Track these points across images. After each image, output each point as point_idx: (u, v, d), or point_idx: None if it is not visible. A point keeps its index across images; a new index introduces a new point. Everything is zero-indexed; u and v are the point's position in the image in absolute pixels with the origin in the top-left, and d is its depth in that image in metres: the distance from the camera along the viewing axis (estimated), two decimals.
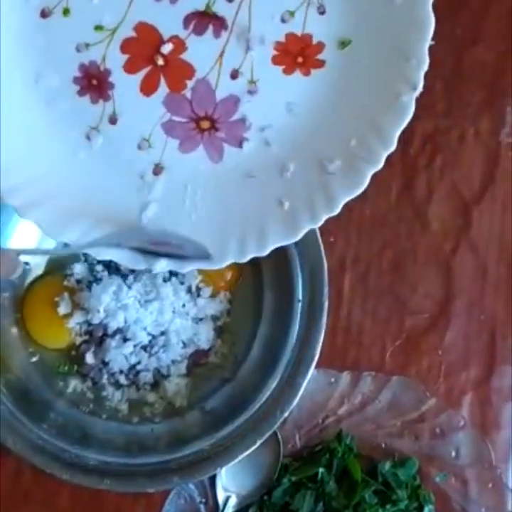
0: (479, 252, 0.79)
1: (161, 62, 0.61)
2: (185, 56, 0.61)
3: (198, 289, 0.73)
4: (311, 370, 0.69)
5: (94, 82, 0.61)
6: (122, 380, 0.72)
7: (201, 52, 0.61)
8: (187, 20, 0.61)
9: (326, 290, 0.70)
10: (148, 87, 0.61)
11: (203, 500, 0.72)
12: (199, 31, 0.61)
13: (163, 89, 0.62)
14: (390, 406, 0.75)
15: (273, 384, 0.70)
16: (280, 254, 0.69)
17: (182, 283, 0.72)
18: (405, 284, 0.78)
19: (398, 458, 0.74)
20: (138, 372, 0.72)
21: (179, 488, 0.70)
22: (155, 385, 0.73)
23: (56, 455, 0.68)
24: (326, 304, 0.70)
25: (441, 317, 0.78)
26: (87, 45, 0.61)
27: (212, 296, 0.73)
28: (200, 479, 0.71)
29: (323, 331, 0.70)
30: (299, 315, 0.70)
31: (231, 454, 0.68)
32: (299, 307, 0.70)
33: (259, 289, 0.74)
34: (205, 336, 0.73)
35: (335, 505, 0.71)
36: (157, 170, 0.63)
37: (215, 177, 0.62)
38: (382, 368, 0.76)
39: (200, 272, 0.71)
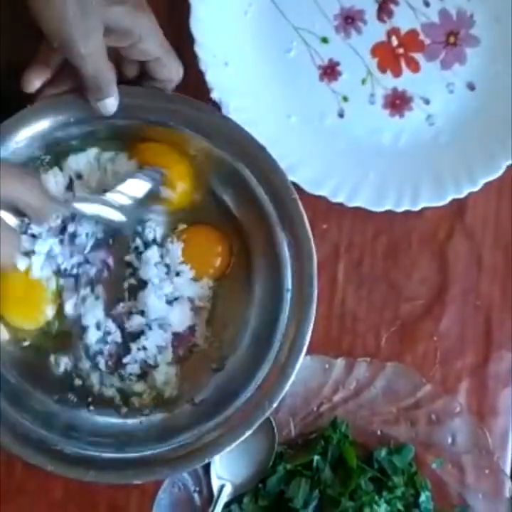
0: (474, 238, 0.79)
1: None
2: None
3: (178, 269, 0.72)
4: (301, 359, 0.68)
5: None
6: (102, 364, 0.71)
7: None
8: None
9: (315, 278, 0.69)
10: None
11: (198, 489, 0.72)
12: None
13: None
14: (385, 392, 0.74)
15: (263, 373, 0.69)
16: (269, 240, 0.70)
17: (162, 257, 0.72)
18: (400, 270, 0.78)
19: (394, 445, 0.73)
20: (124, 364, 0.71)
21: (173, 477, 0.69)
22: (143, 376, 0.72)
23: (41, 446, 0.67)
24: (316, 292, 0.69)
25: (436, 303, 0.78)
26: None
27: (195, 279, 0.72)
28: (190, 470, 0.71)
29: (313, 320, 0.69)
30: (288, 304, 0.69)
31: (221, 445, 0.67)
32: (288, 296, 0.69)
33: (248, 276, 0.73)
34: (178, 318, 0.71)
35: (330, 492, 0.71)
36: None
37: None
38: (377, 354, 0.76)
39: (187, 254, 0.71)
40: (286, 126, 0.77)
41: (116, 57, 0.66)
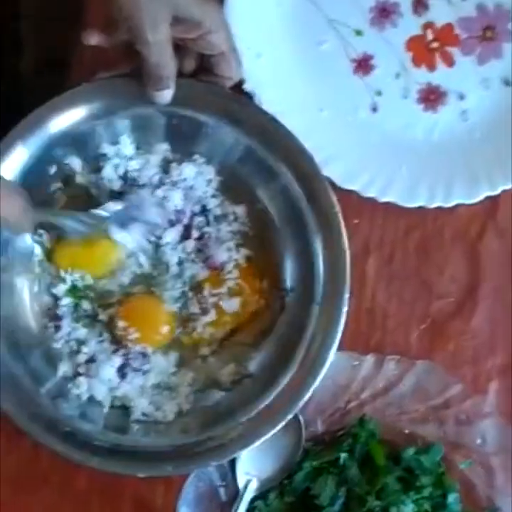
0: (506, 236, 0.78)
1: None
2: None
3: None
4: (331, 355, 0.67)
5: None
6: None
7: None
8: None
9: (347, 273, 0.69)
10: None
11: (223, 483, 0.71)
12: None
13: None
14: (415, 391, 0.73)
15: (292, 369, 0.68)
16: (301, 234, 0.70)
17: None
18: (431, 267, 0.77)
19: (422, 444, 0.72)
20: None
21: (198, 471, 0.69)
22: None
23: (52, 425, 0.66)
24: (348, 287, 0.69)
25: (467, 301, 0.76)
26: None
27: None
28: (216, 464, 0.70)
29: (344, 316, 0.68)
30: (319, 299, 0.69)
31: (248, 440, 0.67)
32: (319, 291, 0.69)
33: (278, 269, 0.73)
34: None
35: (357, 490, 0.69)
36: None
37: None
38: (407, 352, 0.75)
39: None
40: (318, 119, 0.77)
41: (177, 50, 0.66)
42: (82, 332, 0.71)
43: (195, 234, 0.71)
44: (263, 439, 0.66)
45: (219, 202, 0.73)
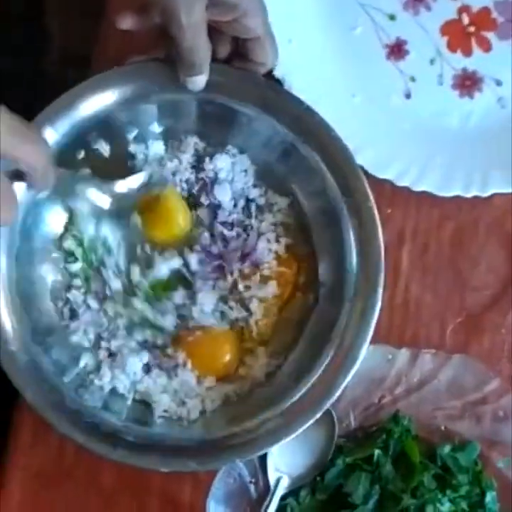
0: None
1: None
2: None
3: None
4: (365, 349, 0.65)
5: None
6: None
7: None
8: None
9: (382, 268, 0.66)
10: None
11: (253, 480, 0.69)
12: None
13: None
14: (450, 386, 0.71)
15: (324, 363, 0.66)
16: (334, 228, 0.68)
17: None
18: (467, 258, 0.75)
19: (458, 441, 0.70)
20: None
21: (228, 466, 0.67)
22: None
23: (76, 416, 0.65)
24: (382, 278, 0.66)
25: (504, 294, 0.74)
26: None
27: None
28: (246, 459, 0.68)
29: (378, 308, 0.66)
30: (352, 290, 0.67)
31: (280, 435, 0.65)
32: (352, 281, 0.67)
33: (312, 261, 0.71)
34: None
35: (391, 488, 0.67)
36: None
37: None
38: (442, 345, 0.73)
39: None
40: (351, 105, 0.75)
41: (211, 34, 0.63)
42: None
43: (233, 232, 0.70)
44: (293, 435, 0.64)
45: (262, 192, 0.71)
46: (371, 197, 0.67)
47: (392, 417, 0.70)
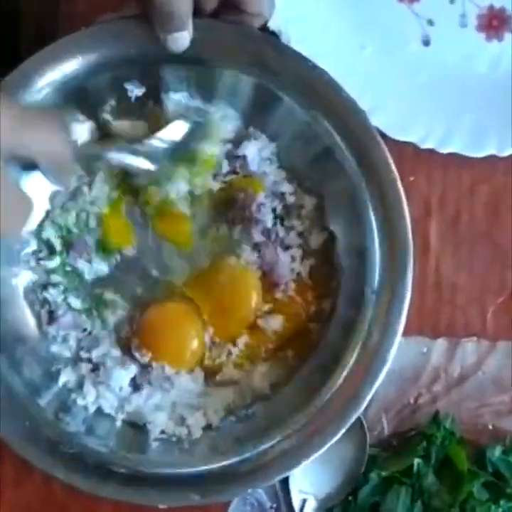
0: None
1: None
2: None
3: None
4: (396, 343, 0.58)
5: None
6: None
7: None
8: None
9: (410, 247, 0.59)
10: None
11: (274, 505, 0.63)
12: None
13: None
14: (496, 379, 0.66)
15: (349, 362, 0.58)
16: (351, 207, 0.60)
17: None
18: (504, 228, 0.68)
19: (510, 441, 0.64)
20: None
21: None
22: None
23: (52, 447, 0.57)
24: (411, 257, 0.59)
25: None
26: None
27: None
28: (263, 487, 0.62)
29: (409, 294, 0.58)
30: (377, 276, 0.59)
31: (297, 458, 0.57)
32: (376, 265, 0.59)
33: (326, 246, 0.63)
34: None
35: (436, 503, 0.62)
36: None
37: None
38: (483, 332, 0.67)
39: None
40: (361, 59, 0.67)
41: None
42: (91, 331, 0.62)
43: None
44: (315, 455, 0.57)
45: (293, 189, 0.63)
46: (393, 168, 0.59)
47: (431, 419, 0.64)
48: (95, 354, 0.61)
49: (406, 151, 0.66)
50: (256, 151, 0.62)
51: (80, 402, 0.60)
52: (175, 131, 0.60)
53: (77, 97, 0.60)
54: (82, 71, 0.59)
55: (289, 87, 0.59)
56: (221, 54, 0.59)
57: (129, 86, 0.61)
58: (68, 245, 0.62)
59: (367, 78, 0.66)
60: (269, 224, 0.62)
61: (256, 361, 0.62)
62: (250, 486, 0.57)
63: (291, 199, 0.62)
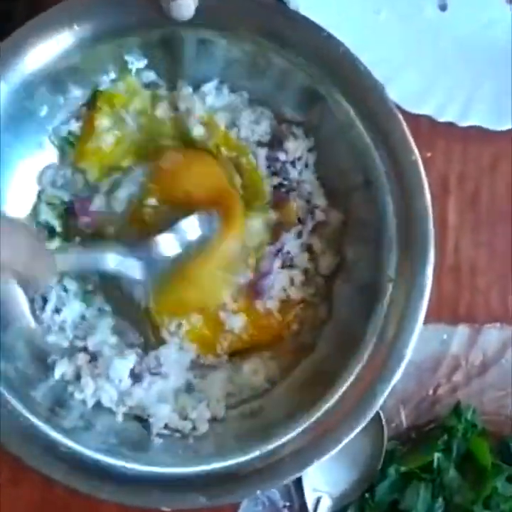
0: None
1: None
2: None
3: None
4: (416, 332, 0.54)
5: None
6: None
7: None
8: None
9: (430, 232, 0.54)
10: None
11: (287, 503, 0.61)
12: None
13: None
14: None
15: (366, 353, 0.54)
16: (366, 188, 0.56)
17: None
18: None
19: None
20: None
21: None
22: None
23: (47, 446, 0.54)
24: (432, 238, 0.54)
25: None
26: None
27: None
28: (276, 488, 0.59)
29: (430, 278, 0.54)
30: (394, 259, 0.55)
31: (310, 456, 0.53)
32: (392, 261, 0.55)
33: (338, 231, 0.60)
34: None
35: (459, 499, 0.60)
36: None
37: None
38: (506, 316, 0.64)
39: None
40: (375, 25, 0.64)
41: None
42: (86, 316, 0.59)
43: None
44: (328, 455, 0.53)
45: (325, 202, 0.59)
46: (414, 148, 0.55)
47: (452, 411, 0.62)
48: (91, 342, 0.58)
49: (422, 125, 0.63)
50: (296, 149, 0.59)
51: (77, 395, 0.57)
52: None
53: (72, 69, 0.56)
54: (79, 41, 0.55)
55: (302, 60, 0.55)
56: (228, 23, 0.55)
57: (129, 57, 0.57)
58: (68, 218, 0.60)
59: (381, 45, 0.63)
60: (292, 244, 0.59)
61: (214, 350, 0.59)
62: (260, 486, 0.53)
63: (321, 216, 0.59)
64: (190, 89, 0.59)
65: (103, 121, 0.58)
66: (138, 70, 0.58)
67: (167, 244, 0.55)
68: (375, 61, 0.58)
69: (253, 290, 0.58)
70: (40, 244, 0.50)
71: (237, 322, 0.57)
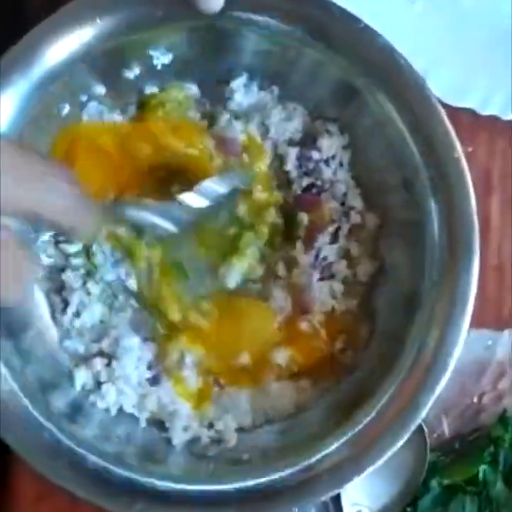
0: None
1: None
2: None
3: None
4: (462, 338, 0.51)
5: None
6: None
7: None
8: None
9: (476, 235, 0.52)
10: None
11: None
12: None
13: None
14: None
15: (407, 362, 0.51)
16: (406, 186, 0.53)
17: None
18: None
19: None
20: None
21: None
22: None
23: (71, 459, 0.51)
24: (477, 240, 0.51)
25: None
26: None
27: None
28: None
29: (475, 280, 0.51)
30: (435, 271, 0.52)
31: (353, 469, 0.50)
32: (435, 251, 0.52)
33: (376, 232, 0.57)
34: None
35: None
36: None
37: None
38: None
39: None
40: (410, 15, 0.62)
41: None
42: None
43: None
44: (368, 470, 0.50)
45: (362, 204, 0.57)
46: (458, 145, 0.52)
47: (497, 420, 0.60)
48: (106, 343, 0.56)
49: (463, 119, 0.60)
50: (330, 147, 0.56)
51: (100, 404, 0.55)
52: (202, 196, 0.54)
53: (94, 66, 0.54)
54: (101, 36, 0.53)
55: (339, 55, 0.53)
56: (259, 13, 0.52)
57: (154, 52, 0.55)
58: None
59: (416, 38, 0.60)
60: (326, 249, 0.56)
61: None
62: (296, 504, 0.50)
63: (356, 218, 0.56)
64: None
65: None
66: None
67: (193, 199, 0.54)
68: (411, 53, 0.54)
69: (297, 307, 0.55)
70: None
71: (283, 356, 0.55)
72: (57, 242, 0.56)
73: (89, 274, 0.56)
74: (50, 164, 0.43)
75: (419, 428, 0.56)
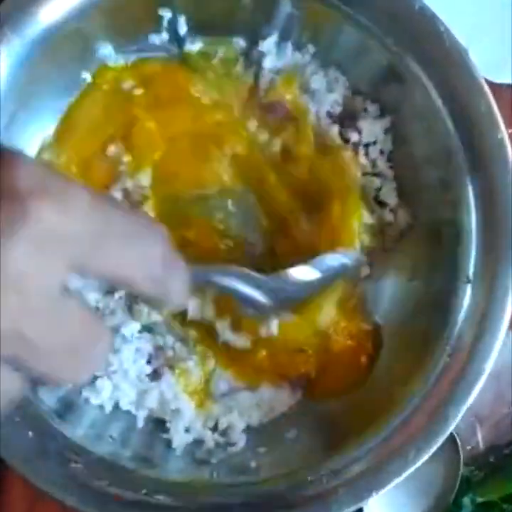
0: None
1: None
2: None
3: None
4: (498, 345, 0.47)
5: None
6: None
7: None
8: None
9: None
10: None
11: None
12: None
13: None
14: None
15: (438, 365, 0.48)
16: (441, 171, 0.50)
17: None
18: None
19: None
20: None
21: None
22: None
23: (61, 462, 0.47)
24: None
25: None
26: None
27: None
28: None
29: None
30: (472, 258, 0.48)
31: (375, 482, 0.46)
32: (471, 243, 0.48)
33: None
34: None
35: None
36: None
37: None
38: None
39: None
40: None
41: None
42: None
43: None
44: (393, 483, 0.46)
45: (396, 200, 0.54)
46: (501, 124, 0.48)
47: None
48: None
49: (504, 96, 0.57)
50: (370, 130, 0.53)
51: (94, 401, 0.51)
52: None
53: (100, 24, 0.50)
54: None
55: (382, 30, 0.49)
56: None
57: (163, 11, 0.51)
58: None
59: (452, 11, 0.54)
60: None
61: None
62: None
63: (389, 216, 0.54)
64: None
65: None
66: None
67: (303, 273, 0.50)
68: (449, 26, 0.51)
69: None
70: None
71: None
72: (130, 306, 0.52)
73: None
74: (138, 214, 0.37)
75: (452, 439, 0.54)
